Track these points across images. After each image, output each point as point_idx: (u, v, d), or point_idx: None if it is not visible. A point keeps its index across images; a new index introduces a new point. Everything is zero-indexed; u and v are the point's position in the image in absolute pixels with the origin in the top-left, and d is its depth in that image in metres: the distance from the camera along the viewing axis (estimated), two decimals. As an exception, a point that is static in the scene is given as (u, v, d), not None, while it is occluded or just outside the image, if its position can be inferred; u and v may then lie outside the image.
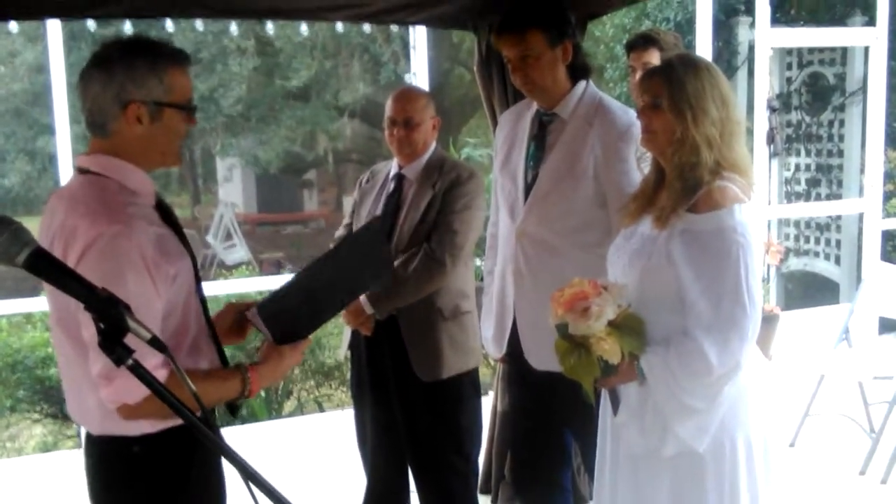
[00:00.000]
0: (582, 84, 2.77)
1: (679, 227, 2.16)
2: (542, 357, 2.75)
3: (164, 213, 1.94)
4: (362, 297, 3.00)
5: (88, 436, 1.96)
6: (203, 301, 1.99)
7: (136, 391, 1.68)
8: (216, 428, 2.02)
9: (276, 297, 2.04)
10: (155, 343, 1.39)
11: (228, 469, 1.94)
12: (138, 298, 1.73)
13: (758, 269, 2.17)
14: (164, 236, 1.85)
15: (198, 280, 1.96)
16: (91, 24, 7.19)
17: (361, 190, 3.32)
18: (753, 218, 2.17)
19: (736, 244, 2.10)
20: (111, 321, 1.36)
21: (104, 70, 1.84)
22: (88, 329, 1.73)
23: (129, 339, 1.37)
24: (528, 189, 2.79)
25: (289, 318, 2.01)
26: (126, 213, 1.79)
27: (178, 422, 1.75)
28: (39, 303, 5.70)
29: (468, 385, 3.19)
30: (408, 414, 3.18)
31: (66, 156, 4.66)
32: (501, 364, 3.16)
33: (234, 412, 1.99)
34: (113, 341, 1.35)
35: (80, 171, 1.90)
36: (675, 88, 2.16)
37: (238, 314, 2.10)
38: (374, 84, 13.62)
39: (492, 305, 2.96)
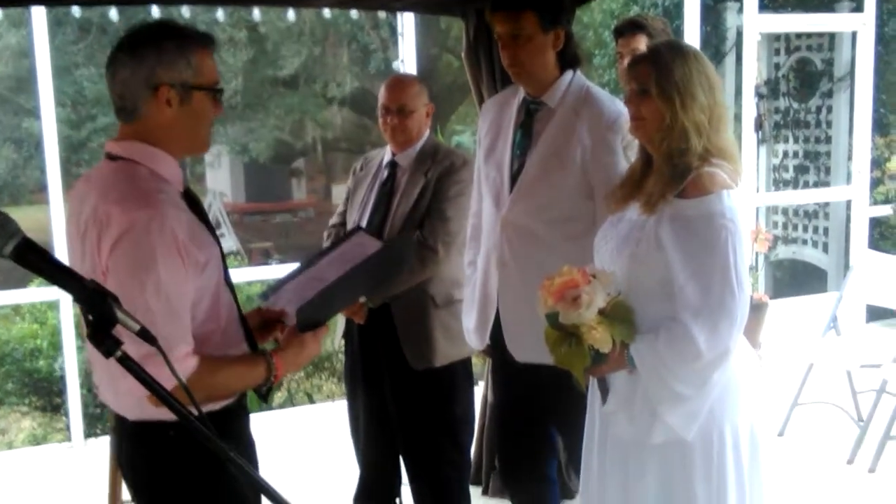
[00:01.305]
0: (569, 73, 2.75)
1: (667, 213, 2.16)
2: (525, 349, 2.75)
3: (191, 201, 1.94)
4: None
5: (122, 421, 1.96)
6: (231, 287, 2.00)
7: (165, 379, 1.67)
8: (247, 414, 2.07)
9: (318, 298, 2.06)
10: (143, 334, 1.39)
11: (265, 450, 1.99)
12: (169, 285, 1.76)
13: (746, 255, 2.17)
14: (194, 224, 1.86)
15: (225, 267, 1.97)
16: (75, 8, 7.13)
17: (355, 178, 3.31)
18: (741, 204, 2.18)
19: (724, 229, 2.11)
20: (100, 313, 1.34)
21: (133, 54, 1.84)
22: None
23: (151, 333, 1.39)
24: (513, 178, 2.77)
25: (314, 312, 2.04)
26: (158, 199, 1.80)
27: (215, 406, 1.87)
28: (28, 294, 5.69)
29: (461, 374, 3.19)
30: (401, 403, 3.17)
31: (52, 142, 4.61)
32: (486, 357, 3.15)
33: (265, 398, 2.00)
34: (102, 333, 1.34)
35: (110, 156, 1.90)
36: (662, 75, 2.17)
37: (264, 319, 2.13)
38: (362, 72, 13.56)
39: (474, 296, 2.94)
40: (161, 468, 1.93)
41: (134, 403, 1.84)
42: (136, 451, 1.96)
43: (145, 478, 1.97)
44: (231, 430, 1.91)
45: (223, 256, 1.97)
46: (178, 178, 1.92)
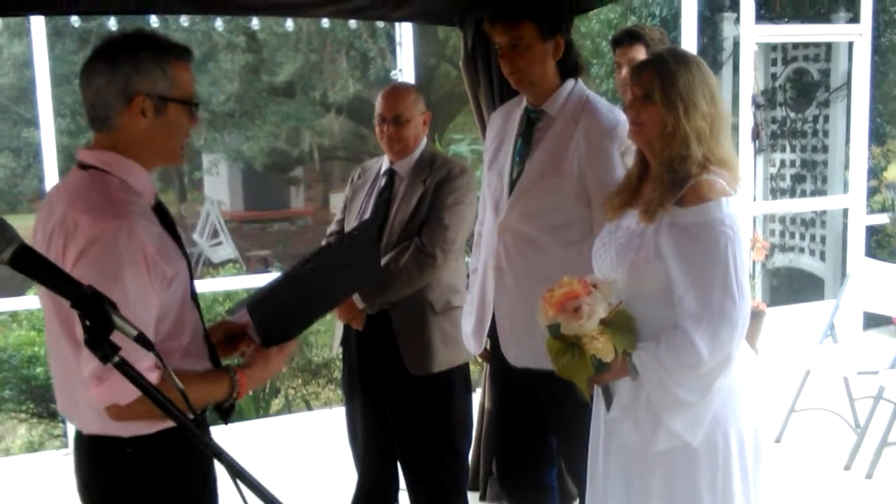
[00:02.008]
0: (570, 82, 2.76)
1: (667, 221, 2.17)
2: (522, 354, 2.76)
3: (162, 215, 1.92)
4: None
5: (79, 435, 1.94)
6: (198, 304, 1.98)
7: (127, 392, 1.65)
8: (207, 428, 2.03)
9: (267, 299, 2.02)
10: (141, 340, 1.38)
11: (221, 470, 1.94)
12: (135, 297, 1.73)
13: (746, 262, 2.18)
14: (163, 238, 1.84)
15: (192, 284, 1.95)
16: (75, 19, 7.16)
17: (353, 186, 3.32)
18: (740, 212, 2.18)
19: (724, 236, 2.12)
20: (97, 318, 1.34)
21: (109, 62, 1.82)
22: (81, 327, 1.72)
23: (120, 342, 1.36)
24: (512, 185, 2.78)
25: (277, 321, 2.00)
26: (128, 210, 1.78)
27: (172, 423, 1.77)
28: (25, 302, 5.68)
29: (459, 380, 3.19)
30: (398, 408, 3.18)
31: (50, 151, 4.62)
32: (485, 361, 3.16)
33: (225, 416, 1.95)
34: (99, 339, 1.34)
35: (82, 166, 1.88)
36: (666, 82, 2.17)
37: (230, 332, 2.10)
38: (360, 80, 13.58)
39: (473, 301, 2.96)
40: (116, 486, 1.90)
41: (92, 416, 1.81)
42: (91, 468, 1.92)
43: (99, 495, 1.93)
44: (191, 443, 1.88)
45: (191, 272, 1.94)
46: (149, 191, 1.90)
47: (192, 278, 1.95)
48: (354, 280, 2.37)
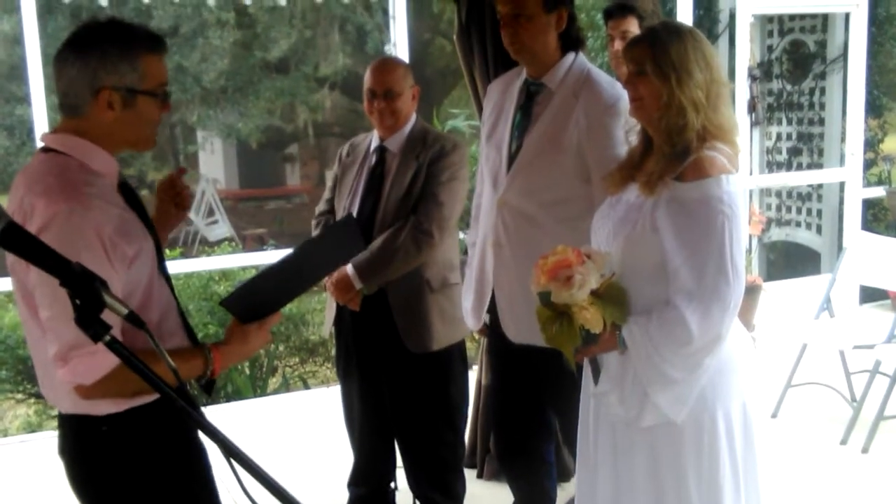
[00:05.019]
0: (571, 55, 2.74)
1: (665, 196, 2.16)
2: (520, 330, 2.75)
3: (127, 194, 1.92)
4: (351, 272, 2.99)
5: (60, 414, 1.96)
6: (168, 280, 1.98)
7: (92, 372, 1.70)
8: (197, 405, 2.03)
9: (243, 289, 2.03)
10: (131, 318, 1.37)
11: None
12: None
13: (743, 241, 2.16)
14: (124, 217, 1.84)
15: (161, 259, 1.95)
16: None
17: (343, 164, 3.29)
18: (741, 189, 2.17)
19: (721, 214, 2.10)
20: (88, 297, 1.33)
21: (78, 54, 1.82)
22: (45, 310, 1.74)
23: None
24: (511, 159, 2.76)
25: (255, 299, 1.99)
26: (83, 193, 1.78)
27: (143, 401, 1.82)
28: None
29: (457, 357, 3.20)
30: (397, 387, 3.17)
31: (42, 128, 4.58)
32: (483, 337, 3.15)
33: (209, 391, 1.96)
34: (90, 317, 1.33)
35: (44, 149, 1.88)
36: (658, 53, 2.16)
37: (171, 186, 2.16)
38: (354, 55, 13.48)
39: (472, 276, 2.95)
40: (95, 463, 1.92)
41: (65, 396, 1.82)
42: (72, 445, 1.95)
43: (81, 472, 1.96)
44: (172, 420, 1.87)
45: (159, 249, 1.94)
46: (112, 171, 1.90)
47: (160, 254, 1.95)
48: (335, 261, 2.38)
